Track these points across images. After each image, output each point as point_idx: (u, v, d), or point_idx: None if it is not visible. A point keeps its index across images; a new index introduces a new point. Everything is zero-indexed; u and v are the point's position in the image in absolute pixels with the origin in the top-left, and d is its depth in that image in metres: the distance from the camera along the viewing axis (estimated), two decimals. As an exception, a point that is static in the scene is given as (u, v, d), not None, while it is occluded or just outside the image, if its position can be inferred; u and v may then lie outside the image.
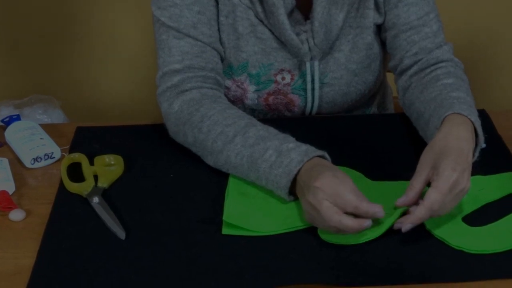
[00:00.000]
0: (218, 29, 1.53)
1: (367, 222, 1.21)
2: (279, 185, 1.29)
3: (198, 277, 1.15)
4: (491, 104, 1.71)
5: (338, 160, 1.39)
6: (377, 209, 1.21)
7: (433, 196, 1.21)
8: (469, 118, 1.35)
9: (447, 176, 1.22)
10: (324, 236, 1.23)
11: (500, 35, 2.78)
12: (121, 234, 1.24)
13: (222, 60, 1.55)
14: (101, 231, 1.25)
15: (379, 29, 1.61)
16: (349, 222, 1.20)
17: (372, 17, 1.56)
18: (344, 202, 1.20)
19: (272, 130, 1.37)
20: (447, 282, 1.14)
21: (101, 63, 2.77)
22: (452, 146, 1.28)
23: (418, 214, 1.21)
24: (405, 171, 1.37)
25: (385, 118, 1.67)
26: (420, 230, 1.24)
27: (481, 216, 1.28)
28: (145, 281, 1.15)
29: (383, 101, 1.79)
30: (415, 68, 1.55)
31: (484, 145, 1.44)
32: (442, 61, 1.53)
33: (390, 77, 1.82)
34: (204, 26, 1.49)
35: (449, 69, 1.52)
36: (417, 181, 1.26)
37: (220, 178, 1.37)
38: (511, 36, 2.79)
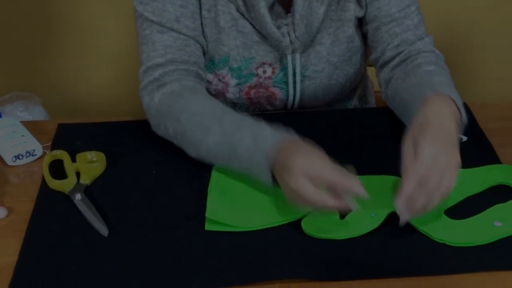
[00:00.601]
0: (201, 23, 1.53)
1: (354, 207, 1.20)
2: (260, 168, 1.29)
3: (181, 273, 1.15)
4: (472, 97, 1.72)
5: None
6: (355, 185, 1.20)
7: (416, 168, 1.21)
8: (450, 97, 1.35)
9: (428, 150, 1.22)
10: (308, 231, 1.23)
11: (480, 28, 2.79)
12: (104, 231, 1.24)
13: (205, 53, 1.55)
14: (84, 228, 1.25)
15: (360, 22, 1.61)
16: (329, 202, 1.19)
17: (353, 10, 1.56)
18: (319, 176, 1.20)
19: (248, 118, 1.37)
20: (430, 276, 1.14)
21: (82, 59, 2.76)
22: (432, 121, 1.28)
23: (406, 187, 1.20)
24: (388, 165, 1.37)
25: (367, 112, 1.68)
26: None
27: (463, 209, 1.28)
28: (128, 277, 1.15)
29: (364, 94, 1.80)
30: (397, 60, 1.55)
31: (465, 138, 1.45)
32: (423, 52, 1.54)
33: (371, 71, 1.83)
34: (187, 19, 1.49)
35: (431, 59, 1.53)
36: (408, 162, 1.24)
37: (202, 174, 1.37)
38: (491, 29, 2.80)
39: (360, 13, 1.58)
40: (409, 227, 1.24)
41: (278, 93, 1.61)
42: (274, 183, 1.30)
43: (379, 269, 1.15)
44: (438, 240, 1.21)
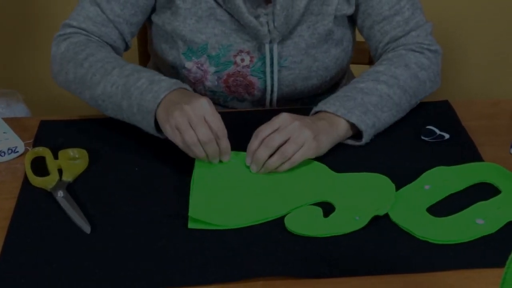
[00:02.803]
0: (167, 13, 1.57)
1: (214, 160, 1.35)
2: (147, 109, 1.36)
3: (163, 271, 1.15)
4: (455, 95, 1.73)
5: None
6: (225, 144, 1.34)
7: (263, 127, 1.35)
8: (335, 114, 1.42)
9: (280, 115, 1.36)
10: (291, 228, 1.23)
11: (464, 25, 2.79)
12: (86, 228, 1.24)
13: (127, 42, 1.61)
14: (66, 225, 1.25)
15: (350, 20, 1.64)
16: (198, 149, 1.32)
17: (335, 5, 1.57)
18: (201, 116, 1.31)
19: (148, 69, 1.47)
20: (413, 273, 1.15)
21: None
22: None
23: (250, 145, 1.35)
24: (369, 163, 1.38)
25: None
26: (386, 222, 1.24)
27: (446, 207, 1.28)
28: (111, 274, 1.14)
29: None
30: (383, 57, 1.58)
31: (447, 136, 1.46)
32: (403, 45, 1.57)
33: (355, 68, 1.83)
34: (117, 4, 1.55)
35: (400, 52, 1.55)
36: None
37: (185, 171, 1.37)
38: (475, 27, 2.81)
39: (349, 11, 1.59)
40: (391, 224, 1.24)
41: (256, 82, 1.61)
42: (158, 131, 1.38)
43: (362, 267, 1.16)
44: (421, 238, 1.21)
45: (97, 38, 1.55)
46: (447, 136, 1.47)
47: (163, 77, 1.41)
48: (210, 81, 1.62)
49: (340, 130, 1.42)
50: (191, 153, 1.34)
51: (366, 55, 1.88)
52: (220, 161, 1.37)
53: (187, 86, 1.41)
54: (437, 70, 1.58)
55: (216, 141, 1.33)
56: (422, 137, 1.47)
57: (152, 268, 1.15)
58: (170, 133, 1.33)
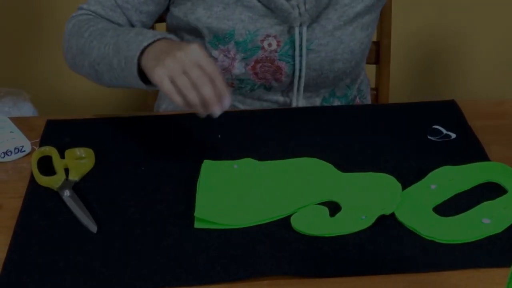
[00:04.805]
0: (188, 4, 1.57)
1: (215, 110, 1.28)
2: (131, 58, 1.35)
3: (169, 270, 1.15)
4: (461, 95, 1.72)
5: (307, 151, 1.41)
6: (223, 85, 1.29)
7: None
8: None
9: None
10: (297, 228, 1.23)
11: (470, 26, 2.79)
12: (93, 227, 1.24)
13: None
14: (73, 225, 1.25)
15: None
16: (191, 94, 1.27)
17: None
18: (196, 62, 1.27)
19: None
20: (419, 272, 1.15)
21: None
22: None
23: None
24: (375, 162, 1.38)
25: (356, 110, 1.67)
26: (392, 221, 1.24)
27: (452, 207, 1.28)
28: (117, 274, 1.14)
29: (362, 88, 1.79)
30: None
31: (454, 135, 1.46)
32: None
33: (368, 69, 1.83)
34: None
35: None
36: None
37: (192, 170, 1.37)
38: (481, 27, 2.80)
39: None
40: (397, 224, 1.24)
41: (284, 66, 1.61)
42: (145, 84, 1.36)
43: (367, 266, 1.16)
44: (427, 237, 1.21)
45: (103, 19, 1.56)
46: (453, 135, 1.47)
47: (153, 30, 1.41)
48: (238, 69, 1.61)
49: None
50: (180, 101, 1.28)
51: (372, 55, 1.88)
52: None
53: (174, 37, 1.40)
54: None
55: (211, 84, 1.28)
56: (429, 137, 1.46)
57: (158, 267, 1.16)
58: (159, 79, 1.28)
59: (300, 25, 1.57)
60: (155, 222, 1.25)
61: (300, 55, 1.60)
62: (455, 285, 1.12)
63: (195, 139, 1.48)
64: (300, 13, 1.56)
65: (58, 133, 1.51)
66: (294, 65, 1.61)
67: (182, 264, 1.16)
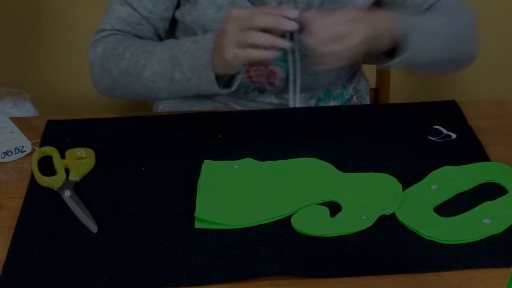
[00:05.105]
0: (186, 5, 1.56)
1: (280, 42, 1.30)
2: (203, 65, 1.35)
3: (170, 270, 1.15)
4: (462, 96, 1.72)
5: (308, 151, 1.41)
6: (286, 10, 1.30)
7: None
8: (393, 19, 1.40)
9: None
10: (297, 228, 1.23)
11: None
12: (93, 227, 1.24)
13: (162, 39, 1.60)
14: (73, 225, 1.25)
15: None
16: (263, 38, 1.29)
17: None
18: (253, 14, 1.29)
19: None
20: (419, 273, 1.14)
21: (70, 55, 2.75)
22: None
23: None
24: (376, 162, 1.38)
25: (357, 110, 1.68)
26: (393, 222, 1.24)
27: (452, 207, 1.28)
28: (117, 274, 1.14)
29: (359, 88, 1.78)
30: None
31: (454, 136, 1.46)
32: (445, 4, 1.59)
33: (367, 68, 1.83)
34: (149, 1, 1.55)
35: (448, 5, 1.57)
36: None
37: (192, 170, 1.37)
38: (482, 28, 2.80)
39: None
40: (398, 224, 1.24)
41: (278, 71, 1.61)
42: (219, 84, 1.38)
43: (368, 266, 1.16)
44: (427, 237, 1.21)
45: (133, 36, 1.55)
46: (454, 136, 1.46)
47: (204, 35, 1.42)
48: None
49: (388, 22, 1.41)
50: (261, 54, 1.31)
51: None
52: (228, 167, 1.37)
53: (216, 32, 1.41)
54: (477, 30, 1.60)
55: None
56: (429, 137, 1.46)
57: (159, 267, 1.16)
58: (232, 56, 1.32)
59: None
60: (155, 222, 1.25)
61: (294, 60, 1.60)
62: (456, 286, 1.12)
63: (196, 139, 1.48)
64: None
65: (59, 133, 1.51)
66: (288, 69, 1.61)
67: (183, 264, 1.16)
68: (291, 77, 1.62)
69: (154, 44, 1.47)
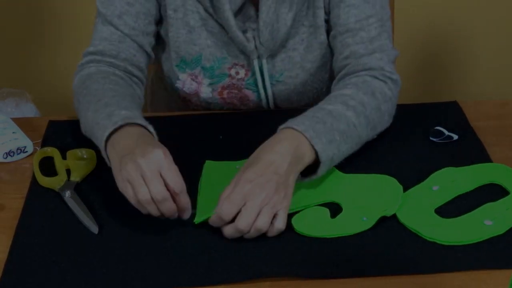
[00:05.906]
0: (163, 23, 1.55)
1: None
2: (101, 147, 1.30)
3: (170, 271, 1.15)
4: (463, 97, 1.72)
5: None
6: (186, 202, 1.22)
7: (222, 205, 1.20)
8: (303, 134, 1.29)
9: (240, 186, 1.21)
10: (298, 229, 1.23)
11: (473, 26, 2.79)
12: (94, 228, 1.24)
13: (148, 54, 1.56)
14: (74, 225, 1.25)
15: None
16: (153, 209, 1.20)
17: (322, 17, 1.53)
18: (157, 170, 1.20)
19: (126, 100, 1.39)
20: (420, 274, 1.14)
21: (72, 56, 2.74)
22: (260, 157, 1.26)
23: (212, 219, 1.22)
24: (377, 163, 1.38)
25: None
26: (394, 223, 1.24)
27: (454, 208, 1.28)
28: (118, 275, 1.14)
29: None
30: (342, 72, 1.49)
31: (456, 137, 1.46)
32: (369, 69, 1.47)
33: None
34: (129, 17, 1.51)
35: (365, 79, 1.45)
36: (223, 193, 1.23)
37: (193, 171, 1.37)
38: (483, 29, 2.80)
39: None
40: (399, 225, 1.24)
41: (251, 95, 1.61)
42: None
43: (369, 267, 1.15)
44: (429, 239, 1.21)
45: (112, 60, 1.51)
46: (455, 137, 1.46)
47: (124, 110, 1.33)
48: (205, 93, 1.60)
49: (306, 158, 1.29)
50: (144, 210, 1.21)
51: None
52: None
53: (143, 121, 1.32)
54: (395, 103, 1.48)
55: (173, 198, 1.21)
56: (431, 138, 1.46)
57: (159, 268, 1.16)
58: (122, 186, 1.22)
59: (258, 57, 1.55)
60: (156, 223, 1.25)
61: (264, 86, 1.59)
62: (458, 287, 1.12)
63: (197, 139, 1.48)
64: (256, 46, 1.53)
65: (60, 134, 1.51)
66: (260, 94, 1.60)
67: (183, 265, 1.16)
68: (263, 101, 1.61)
69: (96, 96, 1.40)
